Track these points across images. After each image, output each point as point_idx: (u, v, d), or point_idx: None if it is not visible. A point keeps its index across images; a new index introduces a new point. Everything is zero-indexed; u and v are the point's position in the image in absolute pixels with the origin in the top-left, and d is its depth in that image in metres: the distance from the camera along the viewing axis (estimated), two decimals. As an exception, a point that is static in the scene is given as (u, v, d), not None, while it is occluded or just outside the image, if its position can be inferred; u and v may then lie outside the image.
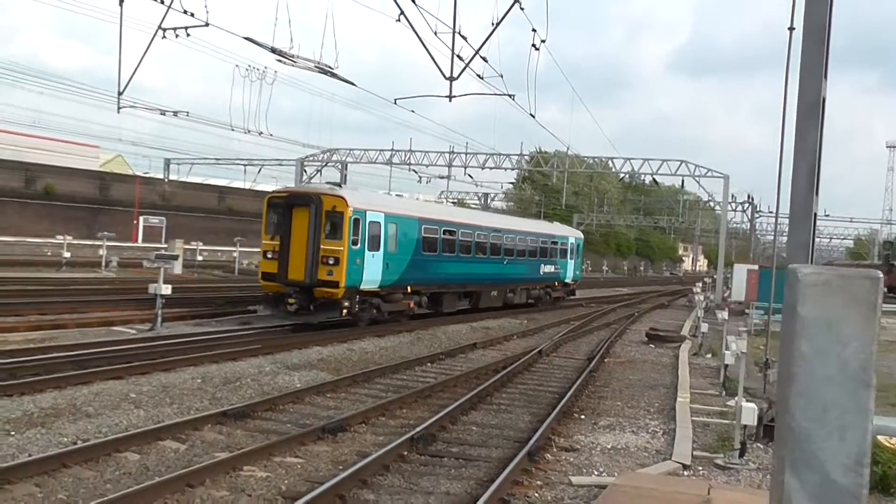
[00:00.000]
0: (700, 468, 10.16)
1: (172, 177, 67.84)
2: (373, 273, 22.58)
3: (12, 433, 9.80)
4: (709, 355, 22.09)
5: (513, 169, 55.68)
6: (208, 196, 67.26)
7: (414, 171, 52.84)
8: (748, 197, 67.91)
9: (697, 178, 48.67)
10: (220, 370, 15.05)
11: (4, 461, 8.57)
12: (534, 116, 28.23)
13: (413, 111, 34.28)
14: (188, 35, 23.64)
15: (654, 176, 50.63)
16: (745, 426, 10.45)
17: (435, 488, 8.75)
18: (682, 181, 50.58)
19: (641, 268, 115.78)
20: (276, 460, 9.37)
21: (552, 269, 37.46)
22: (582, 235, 44.56)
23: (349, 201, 21.71)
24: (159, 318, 19.78)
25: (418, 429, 10.71)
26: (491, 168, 50.85)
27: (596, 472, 9.81)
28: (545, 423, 11.60)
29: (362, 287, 22.30)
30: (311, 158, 52.75)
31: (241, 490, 8.24)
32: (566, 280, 39.67)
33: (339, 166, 52.95)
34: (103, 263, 39.36)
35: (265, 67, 34.69)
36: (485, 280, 30.32)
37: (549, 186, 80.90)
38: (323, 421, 11.28)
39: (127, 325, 20.56)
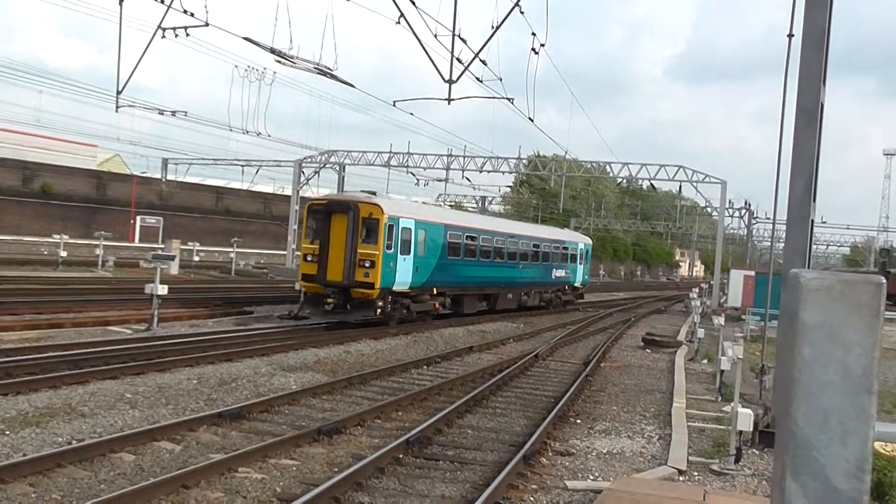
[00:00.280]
0: (696, 473, 10.17)
1: (170, 177, 67.68)
2: (404, 275, 24.02)
3: (7, 432, 9.77)
4: (705, 361, 22.10)
5: (510, 172, 55.59)
6: (206, 196, 67.20)
7: (412, 173, 52.76)
8: (745, 203, 68.06)
9: (695, 184, 48.62)
10: (216, 371, 15.03)
11: (-1, 460, 8.55)
12: (532, 120, 28.25)
13: (412, 113, 34.46)
14: (188, 35, 23.63)
15: (652, 181, 50.58)
16: (741, 432, 10.44)
17: (430, 491, 8.74)
18: (680, 186, 50.47)
19: (638, 273, 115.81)
20: (271, 462, 9.35)
21: (563, 274, 39.08)
22: (590, 241, 46.04)
23: (384, 209, 23.19)
24: (155, 319, 19.75)
25: (414, 431, 10.71)
26: (489, 171, 50.79)
27: (591, 477, 9.80)
28: (541, 427, 11.60)
29: (395, 288, 23.71)
30: (309, 160, 52.66)
31: (235, 491, 8.23)
32: (576, 284, 41.33)
33: (337, 168, 52.91)
34: (100, 263, 39.34)
35: (264, 68, 34.69)
36: (502, 283, 31.86)
37: (546, 190, 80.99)
38: (318, 423, 11.27)
39: (123, 325, 20.53)
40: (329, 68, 24.69)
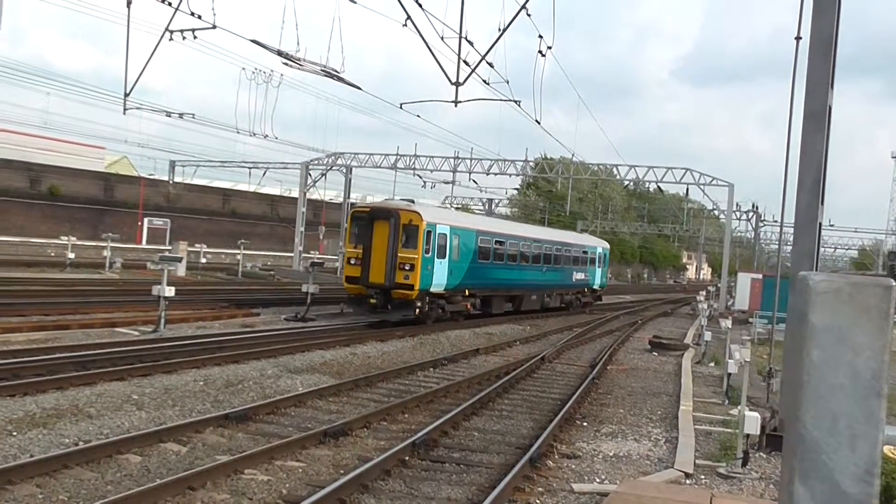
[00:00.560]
0: (702, 477, 10.13)
1: (177, 179, 67.94)
2: (440, 278, 25.78)
3: (14, 433, 9.80)
4: (712, 364, 22.06)
5: (517, 175, 55.52)
6: (213, 198, 67.34)
7: (418, 175, 52.81)
8: (753, 205, 67.82)
9: (702, 187, 48.61)
10: (223, 373, 15.04)
11: (6, 461, 8.57)
12: (539, 123, 28.21)
13: (418, 116, 34.58)
14: (195, 37, 23.69)
15: (659, 183, 50.53)
16: (748, 435, 10.40)
17: (436, 494, 8.73)
18: (687, 189, 50.52)
19: (645, 275, 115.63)
20: (277, 464, 9.35)
21: (583, 277, 40.98)
22: (608, 245, 47.86)
23: (423, 216, 25.04)
24: (162, 320, 19.79)
25: (420, 434, 10.70)
26: (495, 174, 50.80)
27: (598, 480, 9.78)
28: (547, 430, 11.57)
29: (431, 290, 25.42)
30: (316, 162, 52.74)
31: (242, 493, 8.23)
32: (594, 286, 43.04)
33: (344, 170, 52.97)
34: (107, 265, 39.43)
35: (271, 70, 34.67)
36: (527, 285, 33.67)
37: (553, 193, 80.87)
38: (325, 425, 11.26)
39: (130, 326, 20.57)
40: (336, 70, 24.72)
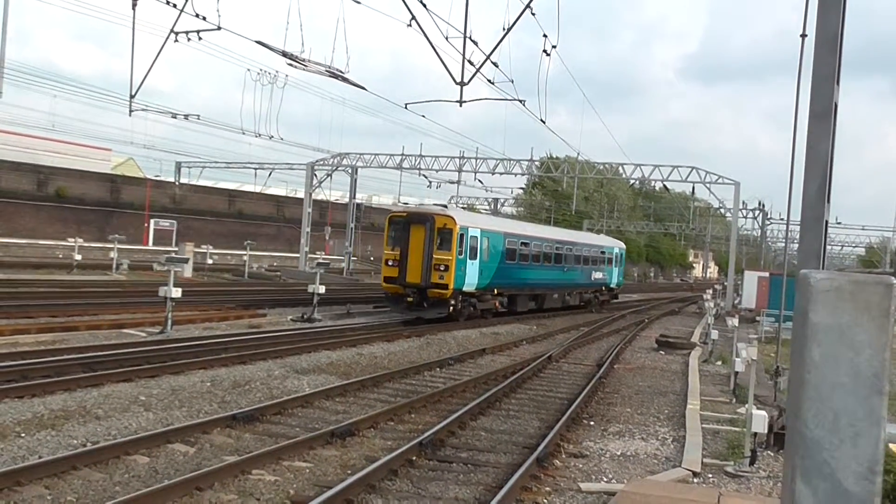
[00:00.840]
0: (710, 476, 10.12)
1: (183, 180, 68.09)
2: (472, 278, 27.55)
3: (22, 435, 9.84)
4: (719, 362, 22.00)
5: (523, 174, 55.49)
6: (219, 199, 67.43)
7: (424, 175, 52.80)
8: (759, 204, 67.72)
9: (708, 185, 48.48)
10: (230, 373, 15.07)
11: (15, 463, 8.61)
12: (544, 122, 28.19)
13: (423, 116, 34.76)
14: (200, 39, 23.71)
15: (665, 182, 50.40)
16: (756, 434, 10.39)
17: (443, 493, 8.73)
18: (693, 188, 50.34)
19: (651, 274, 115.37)
20: (284, 464, 9.37)
21: (601, 276, 42.66)
22: (624, 245, 49.31)
23: (457, 220, 26.84)
24: (169, 321, 19.83)
25: (427, 434, 10.70)
26: (501, 173, 50.76)
27: (605, 479, 9.77)
28: (554, 429, 11.57)
29: (464, 289, 27.19)
30: (322, 162, 52.79)
31: (249, 494, 8.25)
32: (611, 285, 44.81)
33: (350, 170, 53.00)
34: (114, 266, 39.50)
35: (276, 71, 34.76)
36: (549, 285, 35.46)
37: (559, 192, 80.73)
38: (332, 425, 11.28)
39: (137, 327, 20.62)
40: (341, 71, 24.75)
